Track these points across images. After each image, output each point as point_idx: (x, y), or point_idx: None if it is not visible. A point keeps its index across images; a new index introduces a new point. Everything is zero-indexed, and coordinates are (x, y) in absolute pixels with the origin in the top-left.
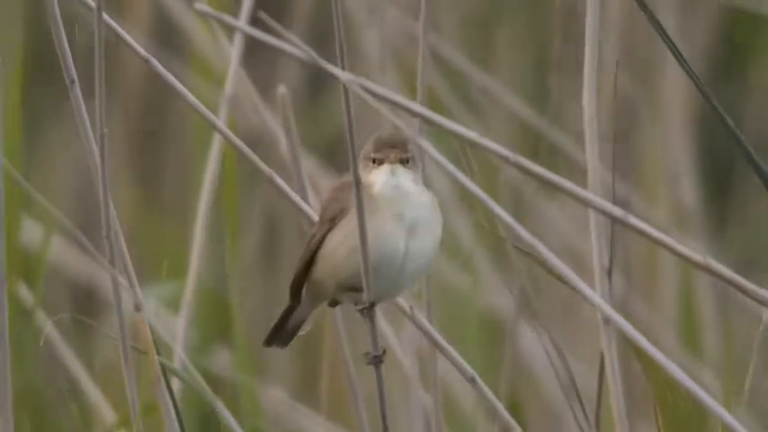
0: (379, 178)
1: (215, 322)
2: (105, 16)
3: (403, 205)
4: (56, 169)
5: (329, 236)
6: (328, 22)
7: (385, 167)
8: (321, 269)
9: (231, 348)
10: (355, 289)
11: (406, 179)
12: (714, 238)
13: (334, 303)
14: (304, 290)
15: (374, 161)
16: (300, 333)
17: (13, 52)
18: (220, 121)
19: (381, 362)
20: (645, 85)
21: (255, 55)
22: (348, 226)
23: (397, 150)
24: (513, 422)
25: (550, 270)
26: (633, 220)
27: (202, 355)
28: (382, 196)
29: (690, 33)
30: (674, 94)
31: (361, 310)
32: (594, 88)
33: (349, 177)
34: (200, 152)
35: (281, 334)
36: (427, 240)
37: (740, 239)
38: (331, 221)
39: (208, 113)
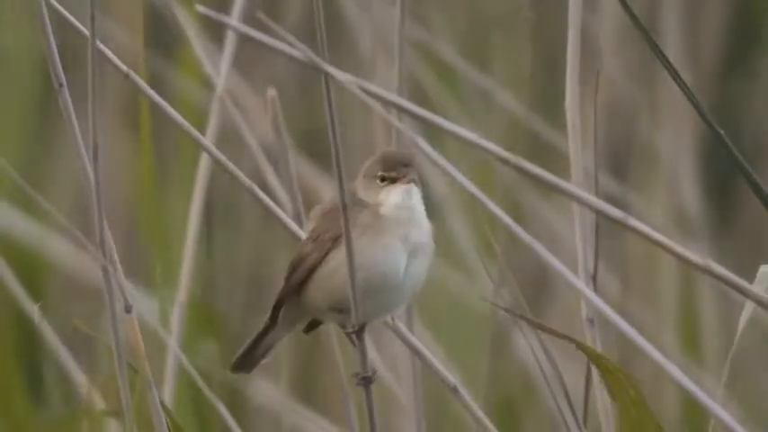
0: (392, 198)
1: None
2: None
3: (410, 228)
4: (61, 170)
5: (330, 256)
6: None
7: (400, 187)
8: (316, 289)
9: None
10: (346, 311)
11: (418, 200)
12: (715, 240)
13: (309, 329)
14: (282, 312)
15: (383, 179)
16: (264, 361)
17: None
18: (211, 123)
19: (371, 382)
20: (646, 87)
21: (252, 54)
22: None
23: (411, 169)
24: (494, 430)
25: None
26: (633, 222)
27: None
28: (392, 217)
29: (699, 19)
30: (676, 94)
31: (350, 333)
32: (577, 92)
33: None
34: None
35: (250, 358)
36: (423, 265)
37: (741, 241)
38: (332, 241)
39: (190, 128)
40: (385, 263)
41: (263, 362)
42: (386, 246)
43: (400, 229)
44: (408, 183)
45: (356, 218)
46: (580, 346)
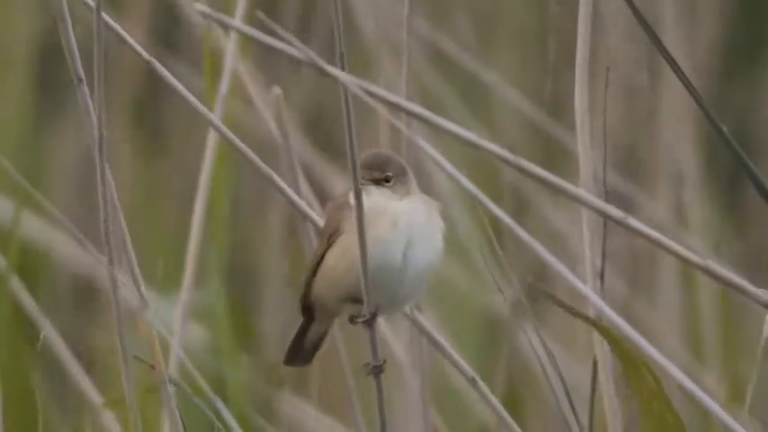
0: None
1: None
2: (105, 17)
3: (394, 218)
4: (62, 164)
5: (329, 253)
6: (321, 16)
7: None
8: (321, 284)
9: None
10: (356, 300)
11: (381, 198)
12: (719, 238)
13: (352, 319)
14: (315, 307)
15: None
16: (320, 351)
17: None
18: (217, 120)
19: (382, 371)
20: (651, 84)
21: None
22: (345, 242)
23: (371, 171)
24: (513, 423)
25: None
26: (633, 222)
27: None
28: (368, 215)
29: (701, 17)
30: (681, 91)
31: (363, 322)
32: (586, 89)
33: (346, 194)
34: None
35: (300, 351)
36: (425, 249)
37: (745, 240)
38: (329, 239)
39: (210, 115)
40: (374, 253)
41: (319, 352)
42: (373, 237)
43: (382, 220)
44: (366, 184)
45: (343, 218)
46: (596, 326)
